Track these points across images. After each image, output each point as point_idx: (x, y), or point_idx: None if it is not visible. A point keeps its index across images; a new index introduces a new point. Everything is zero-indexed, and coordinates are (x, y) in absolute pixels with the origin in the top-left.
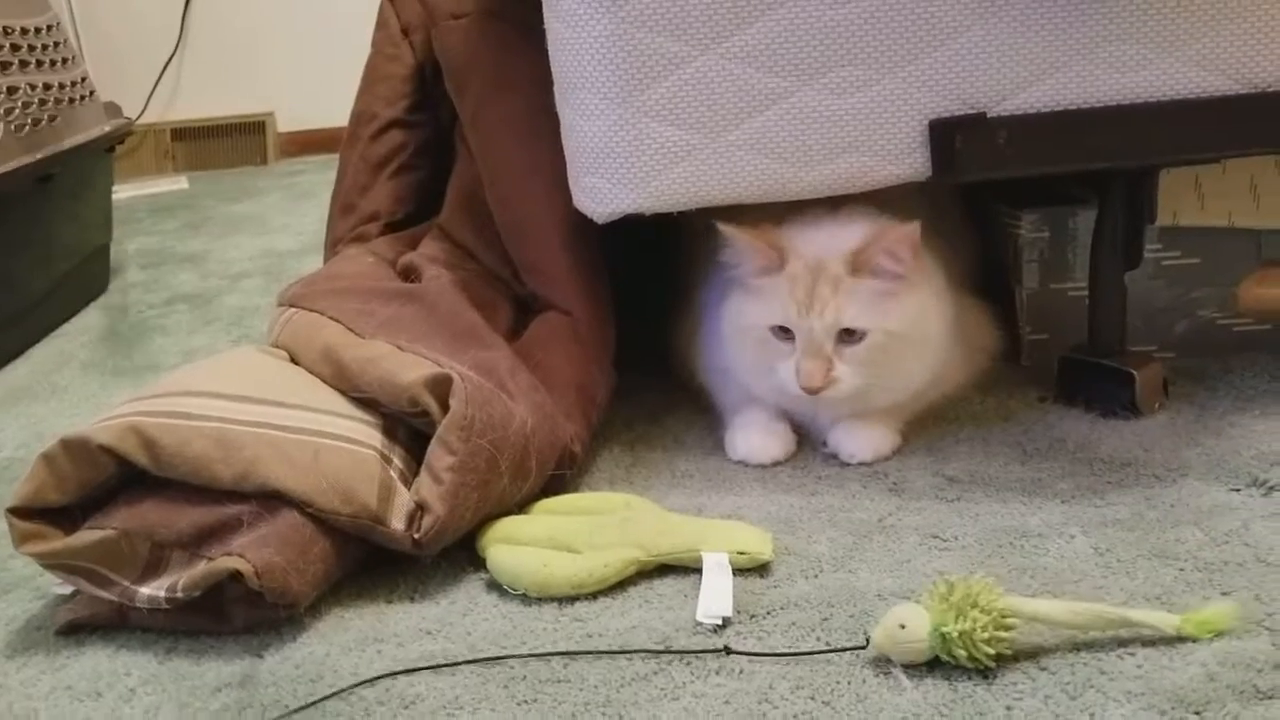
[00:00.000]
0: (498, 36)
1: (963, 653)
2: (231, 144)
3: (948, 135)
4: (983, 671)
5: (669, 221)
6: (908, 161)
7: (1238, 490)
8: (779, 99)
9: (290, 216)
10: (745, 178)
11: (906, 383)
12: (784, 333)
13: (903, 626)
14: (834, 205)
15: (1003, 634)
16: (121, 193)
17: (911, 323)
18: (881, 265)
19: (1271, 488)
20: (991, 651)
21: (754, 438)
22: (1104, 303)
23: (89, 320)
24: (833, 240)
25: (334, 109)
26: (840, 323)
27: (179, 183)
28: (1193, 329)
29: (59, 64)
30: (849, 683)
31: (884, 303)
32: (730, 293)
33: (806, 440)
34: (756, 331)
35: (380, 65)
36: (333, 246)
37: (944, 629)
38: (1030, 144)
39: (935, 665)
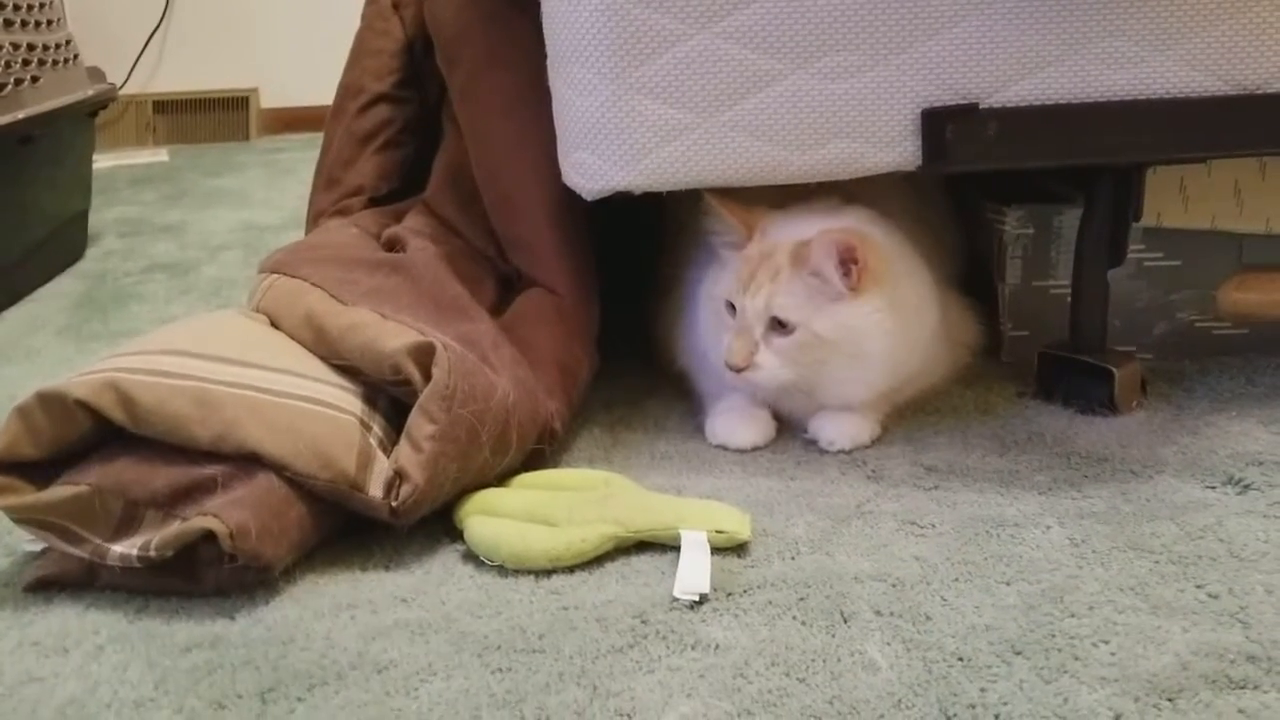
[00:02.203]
0: (490, 10)
1: None
2: (214, 119)
3: (939, 125)
4: (960, 656)
5: (654, 207)
6: (898, 149)
7: (1213, 488)
8: (773, 81)
9: (271, 192)
10: (736, 159)
11: (856, 389)
12: (731, 308)
13: None
14: (840, 201)
15: None
16: (101, 163)
17: (844, 333)
18: (818, 264)
19: (1246, 486)
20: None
21: (733, 423)
22: (1086, 300)
23: (65, 286)
24: (799, 230)
25: (318, 88)
26: (769, 310)
27: (159, 155)
28: (1172, 331)
29: (43, 25)
30: (824, 661)
31: (820, 303)
32: (711, 262)
33: (786, 427)
34: (715, 300)
35: (369, 39)
36: (315, 219)
37: None
38: (1020, 137)
39: (912, 646)
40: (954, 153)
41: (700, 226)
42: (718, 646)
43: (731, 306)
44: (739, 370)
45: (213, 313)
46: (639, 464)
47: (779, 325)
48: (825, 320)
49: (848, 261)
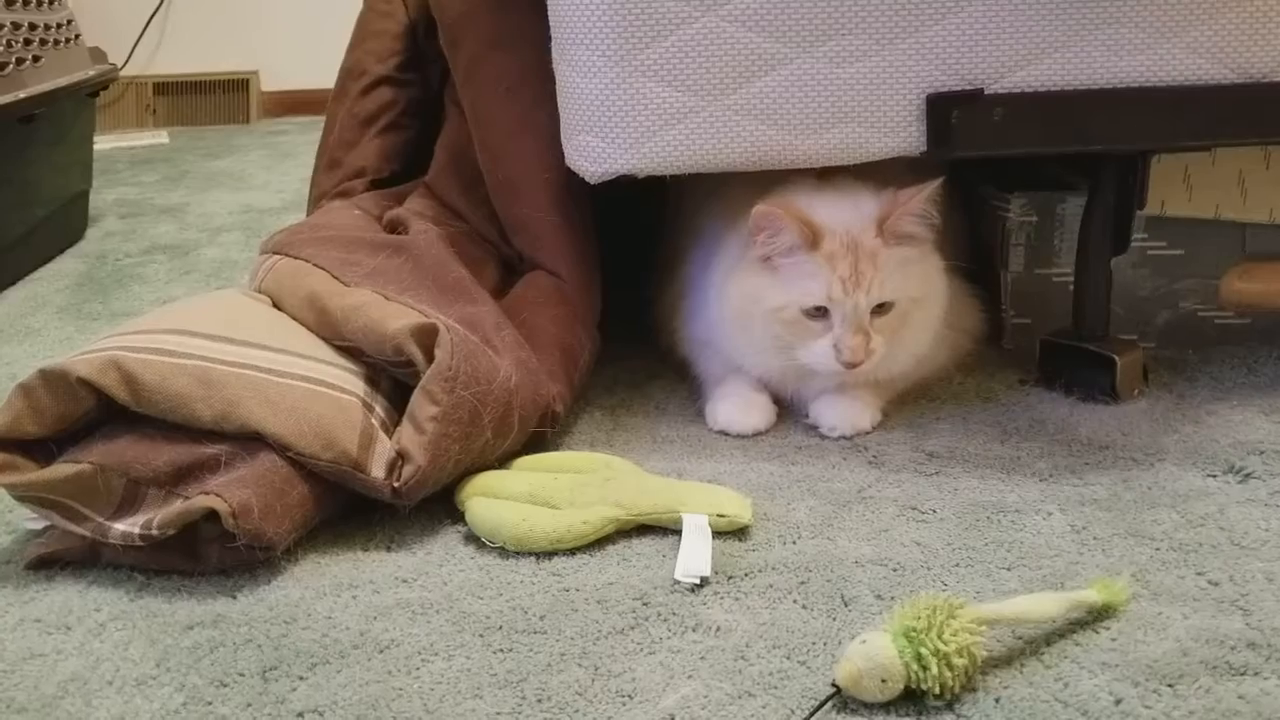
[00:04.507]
0: None
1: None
2: (214, 101)
3: (945, 110)
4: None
5: (656, 191)
6: (903, 134)
7: (1214, 476)
8: (778, 65)
9: (271, 174)
10: (741, 143)
11: (919, 346)
12: (817, 312)
13: (884, 681)
14: (820, 176)
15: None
16: (101, 144)
17: (928, 284)
18: (908, 230)
19: (1247, 475)
20: (964, 662)
21: (734, 408)
22: (1089, 287)
23: (65, 266)
24: (852, 212)
25: (319, 70)
26: (882, 296)
27: (159, 136)
28: (1174, 319)
29: (45, 4)
30: (825, 644)
31: (908, 269)
32: (739, 274)
33: (786, 412)
34: (786, 313)
35: (372, 21)
36: (317, 201)
37: (924, 685)
38: (1025, 123)
39: None
40: (959, 138)
41: (707, 229)
42: (719, 629)
43: (819, 311)
44: (860, 365)
45: (215, 293)
46: (640, 448)
47: (880, 306)
48: (914, 282)
49: (934, 211)
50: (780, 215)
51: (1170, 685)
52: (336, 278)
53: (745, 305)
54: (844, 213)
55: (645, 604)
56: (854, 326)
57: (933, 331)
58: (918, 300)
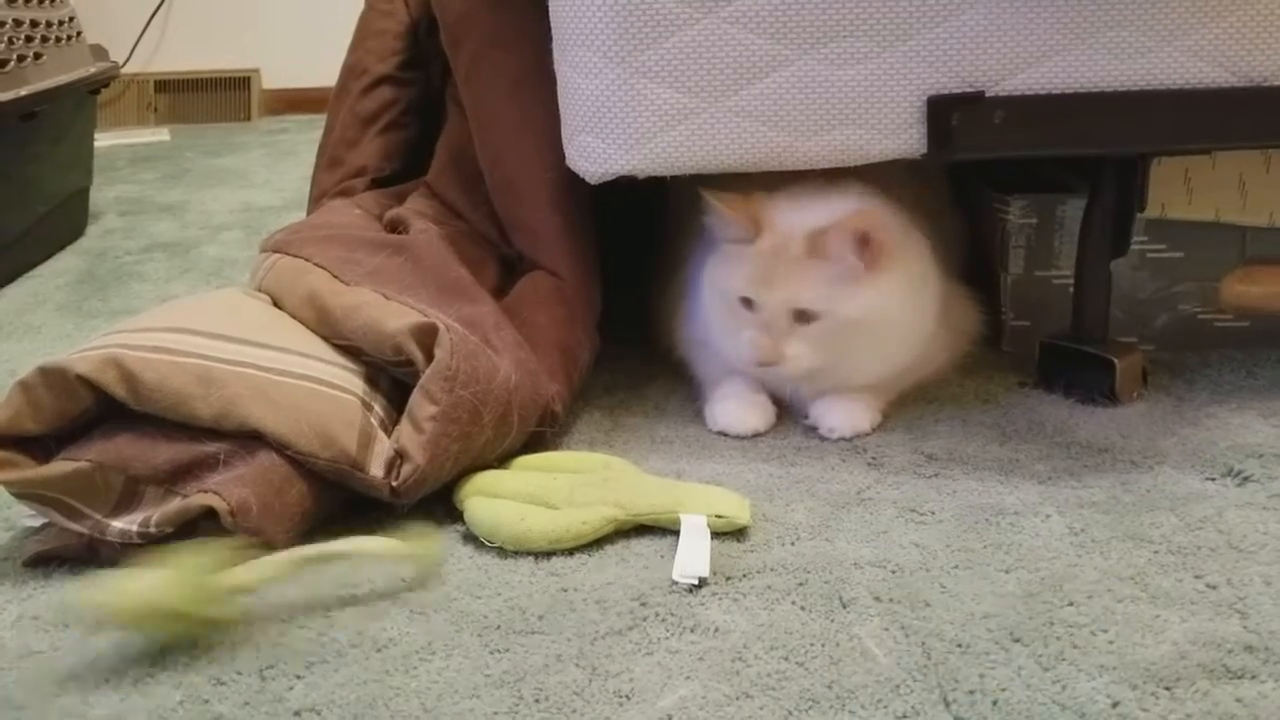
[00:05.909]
0: None
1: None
2: (215, 99)
3: (945, 112)
4: (959, 643)
5: (657, 191)
6: (904, 137)
7: (1213, 479)
8: (779, 66)
9: (272, 173)
10: (741, 144)
11: (878, 366)
12: (749, 303)
13: None
14: (829, 179)
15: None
16: (101, 141)
17: (873, 310)
18: (831, 250)
19: (1246, 478)
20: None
21: (733, 409)
22: (1089, 290)
23: (65, 263)
24: (807, 217)
25: (320, 68)
26: (794, 303)
27: (160, 134)
28: (1174, 322)
29: (46, 2)
30: (823, 645)
31: (844, 287)
32: (712, 252)
33: (786, 413)
34: (728, 295)
35: (373, 20)
36: (317, 200)
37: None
38: (1026, 125)
39: (911, 632)
40: (959, 140)
41: (700, 221)
42: (717, 630)
43: (747, 301)
44: (766, 365)
45: (214, 291)
46: (639, 448)
47: (804, 315)
48: (849, 304)
49: (864, 243)
50: (716, 204)
51: (1168, 688)
52: (336, 276)
53: (709, 283)
54: (800, 215)
55: (643, 604)
56: (764, 326)
57: (901, 354)
58: (858, 322)
